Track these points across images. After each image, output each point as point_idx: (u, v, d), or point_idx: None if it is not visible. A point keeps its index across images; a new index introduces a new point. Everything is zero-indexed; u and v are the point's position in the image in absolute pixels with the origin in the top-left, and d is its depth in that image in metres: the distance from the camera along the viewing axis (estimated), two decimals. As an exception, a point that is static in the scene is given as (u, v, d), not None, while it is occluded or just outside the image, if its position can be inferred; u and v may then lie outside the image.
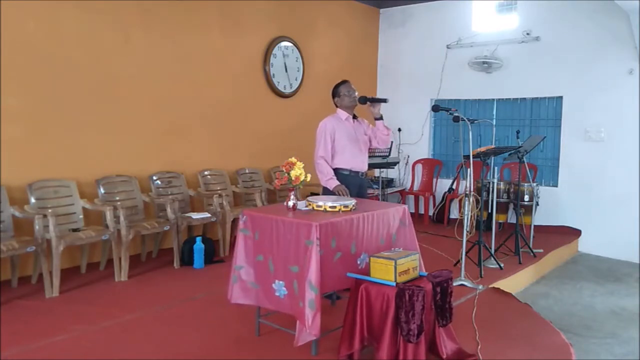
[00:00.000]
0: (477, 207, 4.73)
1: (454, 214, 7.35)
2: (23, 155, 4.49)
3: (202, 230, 5.69)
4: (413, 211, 7.73)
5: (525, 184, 6.02)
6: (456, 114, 4.50)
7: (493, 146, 5.12)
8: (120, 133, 5.18)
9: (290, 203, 3.32)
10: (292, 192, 3.36)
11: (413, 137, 8.13)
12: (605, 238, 6.50)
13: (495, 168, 5.34)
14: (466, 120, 4.49)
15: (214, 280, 4.53)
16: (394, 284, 2.87)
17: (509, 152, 5.50)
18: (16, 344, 3.21)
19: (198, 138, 5.92)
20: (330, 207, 3.27)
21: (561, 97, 6.89)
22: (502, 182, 6.39)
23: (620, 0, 5.66)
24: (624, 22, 6.16)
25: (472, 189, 4.66)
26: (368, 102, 4.08)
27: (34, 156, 4.57)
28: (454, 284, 3.76)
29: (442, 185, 7.80)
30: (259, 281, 3.24)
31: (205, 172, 5.89)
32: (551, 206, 6.84)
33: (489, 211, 5.56)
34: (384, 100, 4.11)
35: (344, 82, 4.21)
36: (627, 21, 6.09)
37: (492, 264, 5.08)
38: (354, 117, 4.23)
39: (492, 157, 5.25)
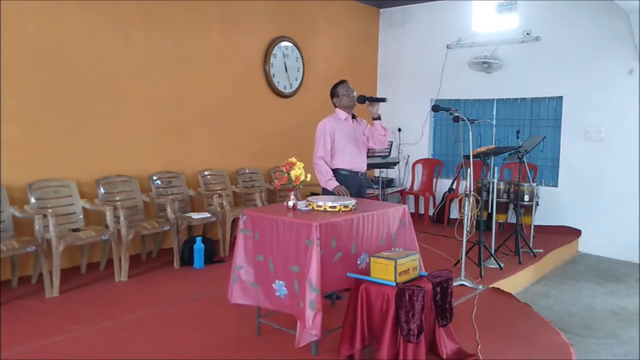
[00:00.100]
0: (477, 207, 4.73)
1: (454, 214, 7.35)
2: (23, 155, 4.49)
3: (202, 230, 5.69)
4: (413, 211, 7.73)
5: (525, 184, 6.02)
6: (456, 114, 4.50)
7: (493, 146, 5.12)
8: (120, 133, 5.18)
9: (290, 203, 3.32)
10: (292, 192, 3.36)
11: (413, 137, 8.13)
12: (605, 238, 6.50)
13: (495, 168, 5.34)
14: (466, 120, 4.49)
15: (214, 280, 4.53)
16: (394, 284, 2.87)
17: (509, 152, 5.50)
18: (16, 344, 3.21)
19: (198, 138, 5.92)
20: (330, 207, 3.27)
21: (561, 97, 6.89)
22: (502, 182, 6.39)
23: (620, 0, 5.66)
24: (624, 22, 6.17)
25: (472, 189, 4.66)
26: (367, 102, 4.07)
27: (34, 156, 4.57)
28: (454, 284, 3.76)
29: (442, 185, 7.80)
30: (259, 281, 3.24)
31: (205, 172, 5.89)
32: (551, 206, 6.84)
33: (489, 211, 5.56)
34: (383, 100, 4.10)
35: (342, 82, 4.21)
36: (627, 21, 6.09)
37: (492, 264, 5.08)
38: (353, 116, 4.22)
39: (492, 157, 5.25)
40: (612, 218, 6.45)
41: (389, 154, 6.96)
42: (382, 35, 8.47)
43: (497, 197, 5.89)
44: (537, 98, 7.16)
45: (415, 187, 8.02)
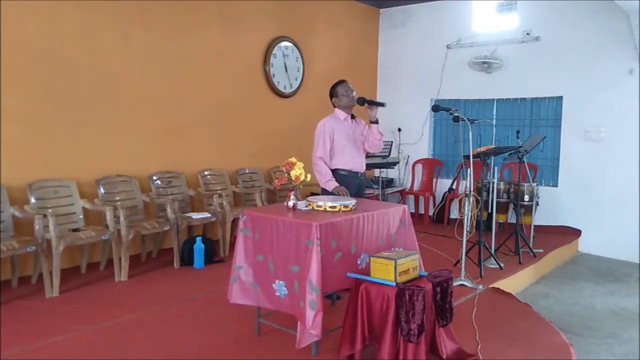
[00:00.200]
0: (477, 207, 4.73)
1: (454, 214, 7.35)
2: (23, 155, 4.49)
3: (202, 230, 5.69)
4: (413, 211, 7.73)
5: (525, 184, 6.02)
6: (456, 114, 4.50)
7: (493, 146, 5.12)
8: (120, 133, 5.18)
9: (290, 203, 3.32)
10: (292, 192, 3.36)
11: (413, 137, 8.13)
12: (605, 238, 6.50)
13: (495, 168, 5.34)
14: (466, 120, 4.49)
15: (214, 280, 4.53)
16: (394, 284, 2.87)
17: (509, 152, 5.50)
18: (16, 344, 3.21)
19: (198, 138, 5.92)
20: (330, 207, 3.27)
21: (561, 97, 6.89)
22: (502, 182, 6.39)
23: (620, 0, 5.66)
24: (624, 22, 6.17)
25: (472, 189, 4.66)
26: (366, 104, 4.06)
27: (34, 156, 4.57)
28: (454, 284, 3.76)
29: (442, 185, 7.80)
30: (259, 281, 3.24)
31: (205, 172, 5.89)
32: (551, 206, 6.84)
33: (489, 211, 5.56)
34: (382, 104, 4.10)
35: (341, 82, 4.19)
36: (627, 21, 6.09)
37: (492, 264, 5.08)
38: (352, 117, 4.22)
39: (492, 157, 5.25)
40: (612, 218, 6.45)
41: (389, 154, 6.97)
42: (382, 35, 8.47)
43: (497, 197, 5.89)
44: (537, 98, 7.16)
45: (415, 187, 8.02)
